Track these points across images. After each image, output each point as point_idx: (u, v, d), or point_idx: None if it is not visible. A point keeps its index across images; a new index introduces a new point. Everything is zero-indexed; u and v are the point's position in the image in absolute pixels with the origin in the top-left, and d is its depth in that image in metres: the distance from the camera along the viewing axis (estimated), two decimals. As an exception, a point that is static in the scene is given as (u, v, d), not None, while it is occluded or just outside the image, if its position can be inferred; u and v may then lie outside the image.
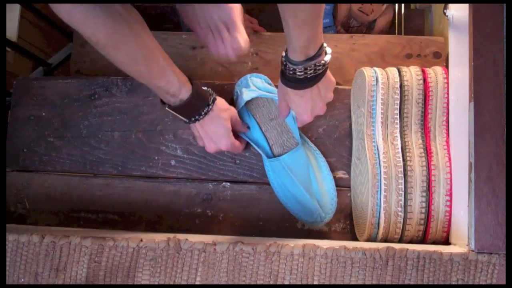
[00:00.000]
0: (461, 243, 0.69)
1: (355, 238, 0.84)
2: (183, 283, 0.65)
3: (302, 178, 0.83)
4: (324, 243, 0.66)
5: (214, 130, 0.77)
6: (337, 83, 0.93)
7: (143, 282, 0.65)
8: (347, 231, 0.86)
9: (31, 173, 0.92)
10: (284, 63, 0.67)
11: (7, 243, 0.67)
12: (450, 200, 0.76)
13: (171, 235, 0.67)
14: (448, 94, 0.80)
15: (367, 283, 0.63)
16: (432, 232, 0.76)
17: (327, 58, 0.67)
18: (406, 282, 0.63)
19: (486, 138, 0.65)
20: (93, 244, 0.66)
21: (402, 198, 0.77)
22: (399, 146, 0.79)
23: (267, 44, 1.00)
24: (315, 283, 0.63)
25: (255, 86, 0.85)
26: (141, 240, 0.66)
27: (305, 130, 0.88)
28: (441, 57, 0.96)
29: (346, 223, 0.86)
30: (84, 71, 1.03)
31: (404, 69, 0.83)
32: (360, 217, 0.81)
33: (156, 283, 0.65)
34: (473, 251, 0.64)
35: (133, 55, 0.63)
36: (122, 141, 0.91)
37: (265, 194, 0.87)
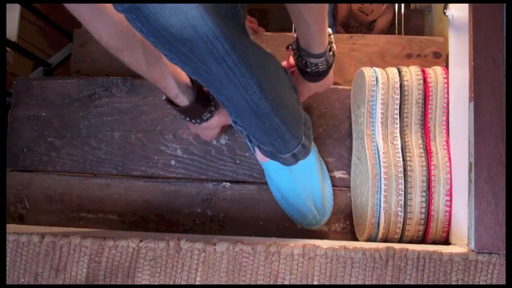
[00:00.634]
0: (461, 243, 0.69)
1: (355, 238, 0.84)
2: (183, 283, 0.65)
3: (302, 180, 0.82)
4: (324, 243, 0.66)
5: (208, 134, 0.81)
6: (337, 83, 0.94)
7: (143, 282, 0.65)
8: (347, 231, 0.86)
9: (31, 173, 0.92)
10: (304, 62, 0.68)
11: (7, 243, 0.66)
12: (450, 200, 0.76)
13: (171, 235, 0.67)
14: (448, 94, 0.80)
15: (367, 283, 0.63)
16: (432, 232, 0.76)
17: (332, 39, 0.69)
18: (406, 282, 0.63)
19: (486, 138, 0.65)
20: (93, 244, 0.66)
21: (402, 198, 0.77)
22: (399, 146, 0.79)
23: (267, 44, 1.00)
24: (315, 283, 0.63)
25: None
26: (141, 240, 0.66)
27: (305, 130, 0.88)
28: (441, 57, 0.96)
29: (346, 223, 0.86)
30: (84, 71, 1.03)
31: (404, 69, 0.83)
32: (360, 217, 0.81)
33: (156, 283, 0.65)
34: (473, 251, 0.64)
35: (136, 57, 0.63)
36: (122, 141, 0.91)
37: (265, 194, 0.87)
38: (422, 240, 0.78)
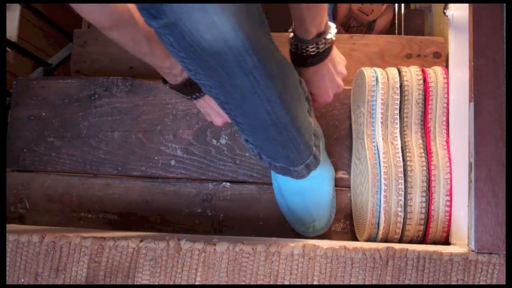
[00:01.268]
0: (461, 243, 0.69)
1: (355, 238, 0.84)
2: (183, 283, 0.65)
3: (312, 190, 0.82)
4: (324, 243, 0.66)
5: (220, 112, 0.77)
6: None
7: (143, 282, 0.65)
8: (347, 231, 0.86)
9: (31, 173, 0.92)
10: (295, 44, 0.68)
11: (7, 243, 0.66)
12: (450, 200, 0.76)
13: (171, 235, 0.67)
14: (448, 94, 0.80)
15: (367, 283, 0.63)
16: (432, 232, 0.76)
17: (333, 31, 0.69)
18: (406, 282, 0.63)
19: (486, 138, 0.65)
20: (93, 244, 0.66)
21: (402, 198, 0.77)
22: (399, 146, 0.79)
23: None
24: (315, 283, 0.63)
25: None
26: (141, 240, 0.66)
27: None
28: (441, 57, 0.96)
29: (346, 223, 0.86)
30: (84, 71, 1.03)
31: (404, 69, 0.83)
32: (360, 217, 0.81)
33: (156, 283, 0.65)
34: (473, 251, 0.64)
35: (137, 38, 0.64)
36: (122, 141, 0.91)
37: (265, 194, 0.87)
38: (422, 240, 0.78)
